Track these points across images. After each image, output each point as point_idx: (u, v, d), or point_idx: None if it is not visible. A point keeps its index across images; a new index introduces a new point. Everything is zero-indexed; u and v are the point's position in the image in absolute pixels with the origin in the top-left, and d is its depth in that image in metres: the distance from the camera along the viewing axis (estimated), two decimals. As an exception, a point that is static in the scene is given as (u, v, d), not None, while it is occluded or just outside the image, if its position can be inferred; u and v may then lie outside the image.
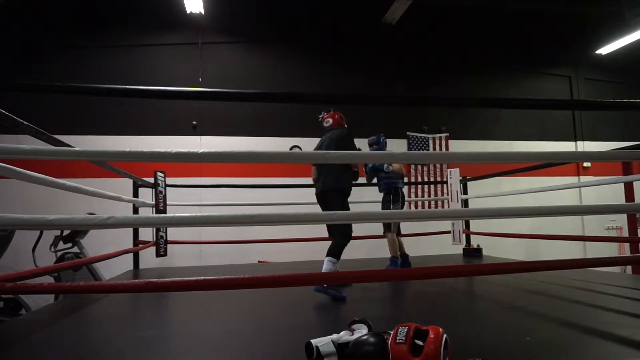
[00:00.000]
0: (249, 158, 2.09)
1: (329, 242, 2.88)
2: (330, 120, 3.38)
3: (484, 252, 4.95)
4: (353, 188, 3.23)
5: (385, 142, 3.97)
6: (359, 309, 2.43)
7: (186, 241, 5.10)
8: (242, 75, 6.61)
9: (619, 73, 8.20)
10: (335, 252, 2.90)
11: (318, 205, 3.24)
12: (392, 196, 3.89)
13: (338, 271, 2.79)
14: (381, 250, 4.42)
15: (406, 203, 4.27)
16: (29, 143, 1.93)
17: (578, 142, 7.98)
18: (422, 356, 1.21)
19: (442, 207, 6.24)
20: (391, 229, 3.85)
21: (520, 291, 2.80)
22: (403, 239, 4.04)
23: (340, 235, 2.98)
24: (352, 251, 5.57)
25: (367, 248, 5.34)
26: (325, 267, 2.85)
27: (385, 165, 3.80)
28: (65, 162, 4.87)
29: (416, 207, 6.93)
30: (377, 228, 4.65)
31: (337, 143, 3.10)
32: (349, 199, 3.17)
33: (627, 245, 5.96)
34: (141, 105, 6.04)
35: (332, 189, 3.08)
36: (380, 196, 4.04)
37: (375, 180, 4.06)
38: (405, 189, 4.13)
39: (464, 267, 3.46)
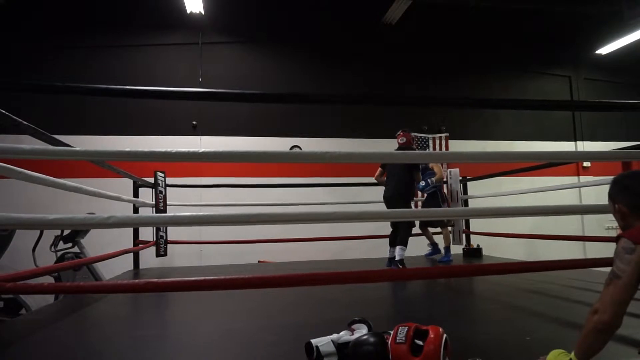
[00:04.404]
0: (249, 158, 2.09)
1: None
2: (405, 139, 4.00)
3: (484, 252, 4.94)
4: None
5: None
6: (359, 309, 2.43)
7: (186, 241, 5.10)
8: (242, 75, 6.60)
9: (619, 73, 8.19)
10: (403, 241, 3.70)
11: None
12: (439, 196, 4.51)
13: (338, 272, 2.80)
14: (380, 250, 4.42)
15: None
16: (29, 143, 1.93)
17: (578, 142, 7.97)
18: (422, 356, 1.21)
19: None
20: (445, 223, 4.55)
21: (520, 291, 2.80)
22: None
23: (404, 227, 3.74)
24: (351, 251, 5.62)
25: (365, 248, 5.35)
26: (398, 252, 3.66)
27: (421, 185, 4.35)
28: (65, 162, 4.88)
29: (416, 206, 6.95)
30: (375, 229, 4.68)
31: (403, 164, 3.81)
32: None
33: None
34: (141, 105, 6.03)
35: (401, 197, 3.85)
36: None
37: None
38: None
39: (464, 267, 3.46)
